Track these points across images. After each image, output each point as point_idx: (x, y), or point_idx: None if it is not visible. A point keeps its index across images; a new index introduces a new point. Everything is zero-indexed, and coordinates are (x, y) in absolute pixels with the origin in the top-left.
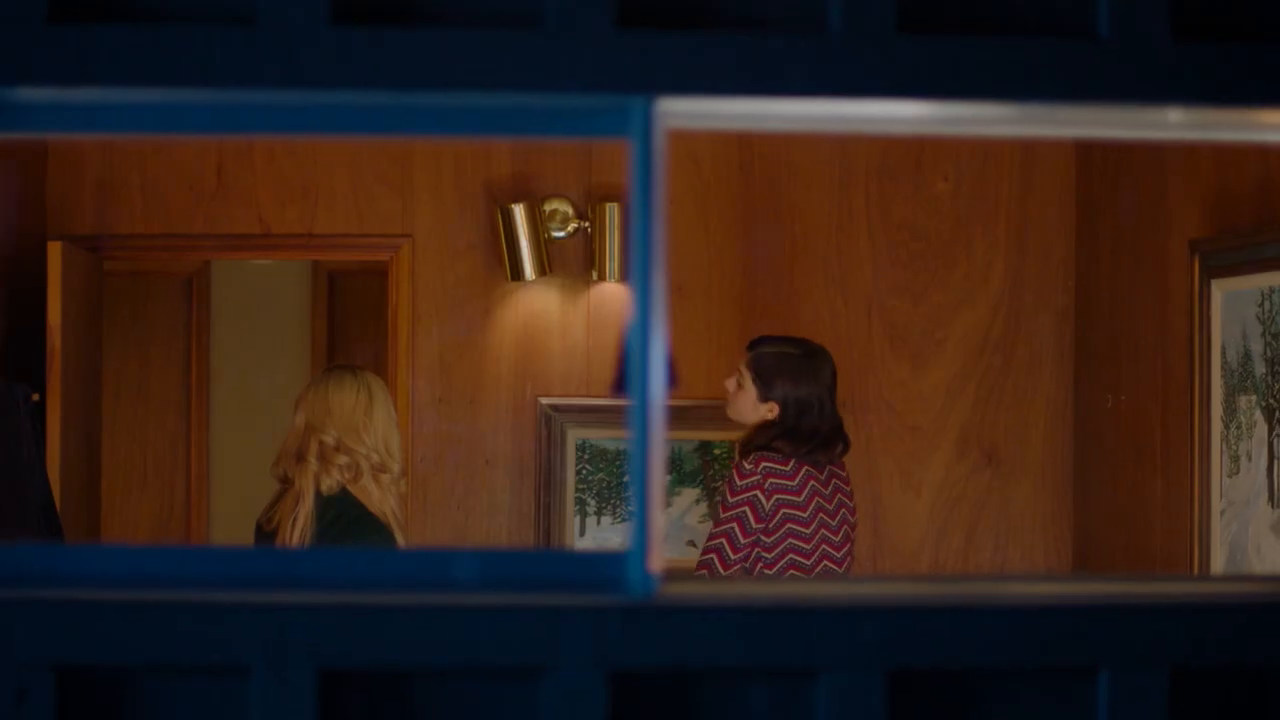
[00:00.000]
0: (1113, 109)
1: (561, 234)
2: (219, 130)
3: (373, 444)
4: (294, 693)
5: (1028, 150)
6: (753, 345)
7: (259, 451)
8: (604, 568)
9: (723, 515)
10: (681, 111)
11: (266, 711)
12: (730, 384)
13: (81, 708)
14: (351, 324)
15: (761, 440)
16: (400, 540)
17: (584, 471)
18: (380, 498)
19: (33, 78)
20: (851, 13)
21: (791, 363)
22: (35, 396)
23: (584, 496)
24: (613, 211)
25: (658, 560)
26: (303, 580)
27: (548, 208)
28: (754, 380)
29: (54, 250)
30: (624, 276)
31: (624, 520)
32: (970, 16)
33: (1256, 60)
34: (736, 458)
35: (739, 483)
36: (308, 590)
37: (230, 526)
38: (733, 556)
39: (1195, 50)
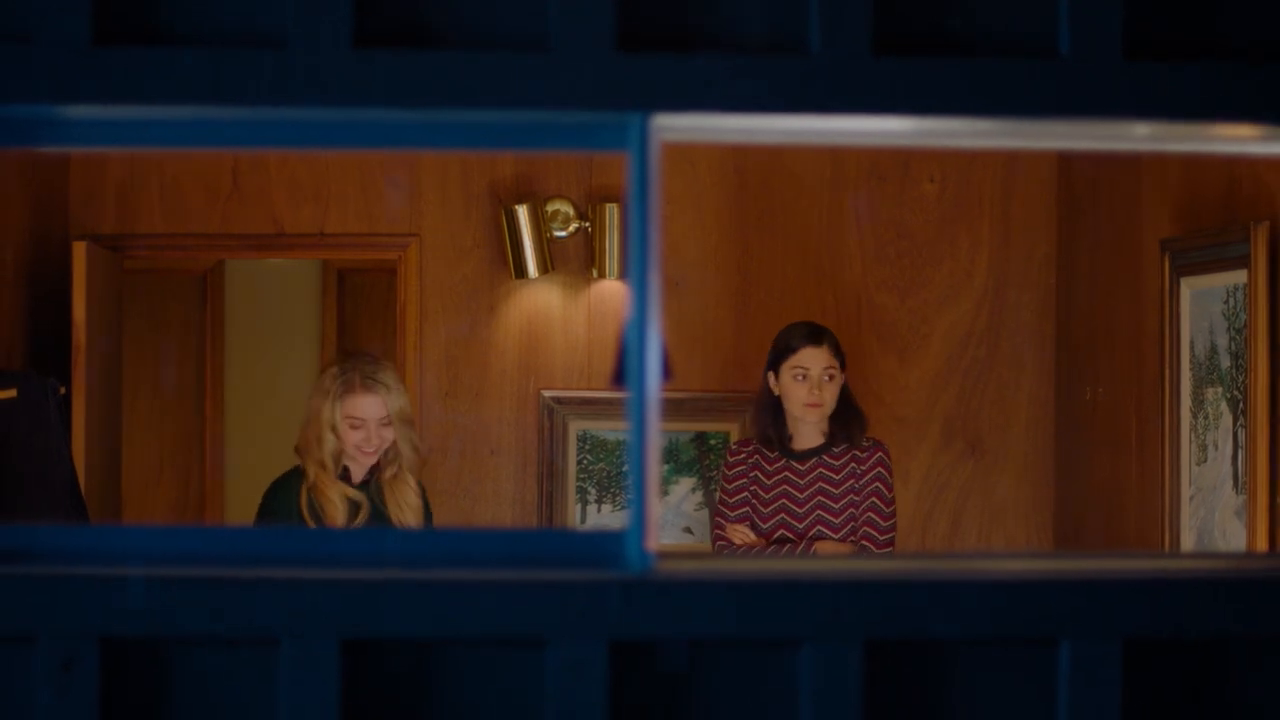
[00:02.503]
0: (1071, 123)
1: (563, 233)
2: (250, 145)
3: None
4: (318, 661)
5: (1010, 154)
6: (820, 338)
7: (272, 442)
8: (604, 545)
9: (890, 495)
10: (675, 126)
11: (293, 678)
12: (823, 388)
13: (123, 676)
14: (361, 320)
15: (859, 414)
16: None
17: (585, 461)
18: (312, 476)
19: (79, 97)
20: (830, 36)
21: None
22: (62, 390)
23: (585, 485)
24: (612, 212)
25: (654, 539)
26: (325, 557)
27: (550, 208)
28: (842, 366)
29: (79, 250)
30: (623, 274)
31: (623, 508)
32: (938, 38)
33: (1203, 78)
34: (857, 441)
35: (888, 460)
36: (330, 567)
37: (245, 514)
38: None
39: (1145, 69)
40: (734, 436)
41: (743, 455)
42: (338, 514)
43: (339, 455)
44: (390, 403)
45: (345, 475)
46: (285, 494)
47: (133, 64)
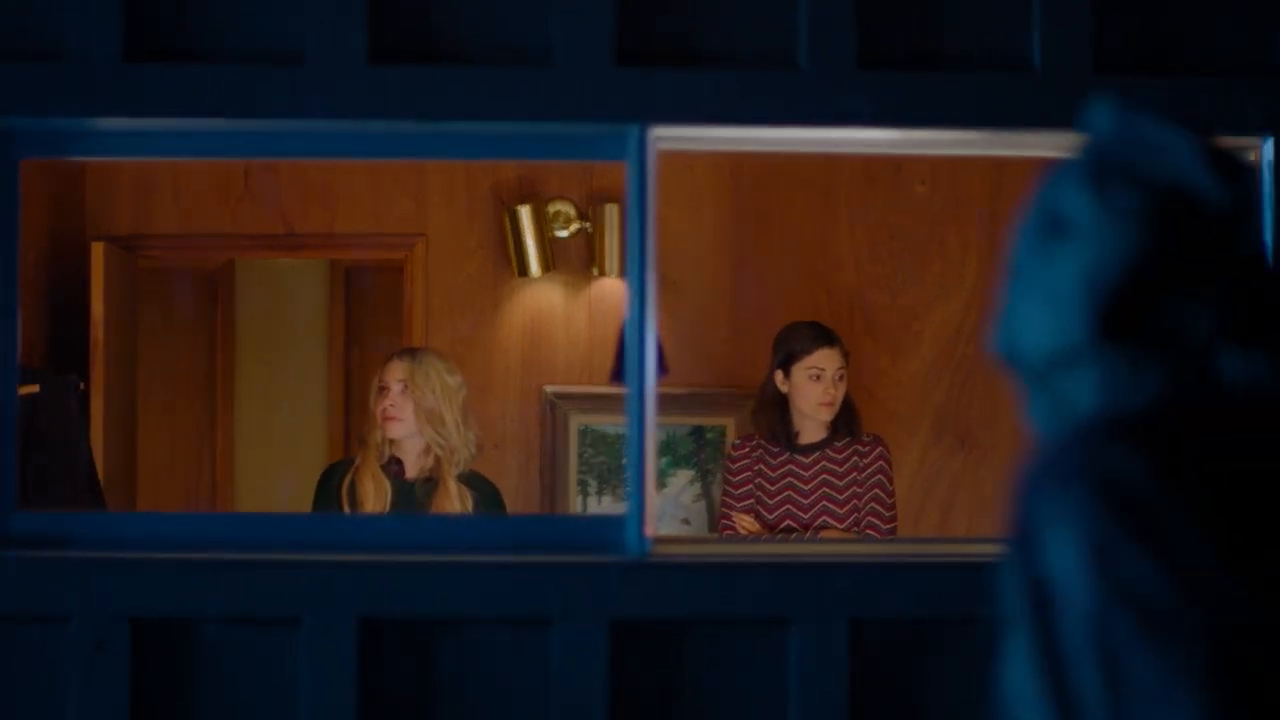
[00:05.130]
0: (1045, 133)
1: (564, 233)
2: (270, 155)
3: None
4: (336, 639)
5: (998, 159)
6: (832, 339)
7: (281, 436)
8: (605, 531)
9: (891, 488)
10: (671, 137)
11: (313, 655)
12: (837, 387)
13: (153, 655)
14: (368, 318)
15: (855, 409)
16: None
17: (586, 454)
18: (358, 460)
19: (109, 109)
20: (817, 51)
21: None
22: (81, 385)
23: (586, 478)
24: (612, 212)
25: (652, 525)
26: (342, 542)
27: (551, 209)
28: (847, 365)
29: (97, 250)
30: (623, 273)
31: (623, 500)
32: (919, 53)
33: (1170, 91)
34: (857, 434)
35: (889, 455)
36: (347, 551)
37: (255, 505)
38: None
39: (1115, 82)
40: (730, 431)
41: (746, 450)
42: (372, 503)
43: (384, 442)
44: (416, 376)
45: (399, 469)
46: (329, 479)
47: (160, 79)
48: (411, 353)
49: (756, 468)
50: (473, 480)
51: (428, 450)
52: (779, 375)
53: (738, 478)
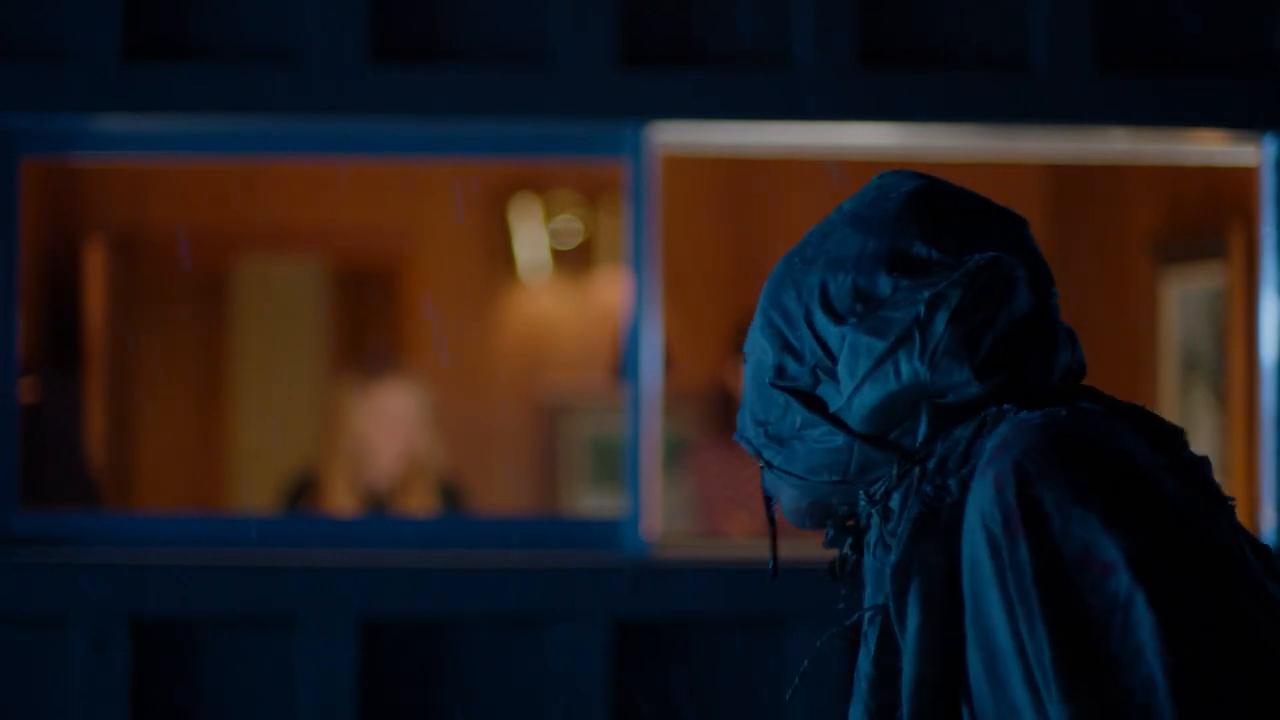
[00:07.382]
0: (1047, 131)
1: (564, 231)
2: (271, 153)
3: None
4: (336, 639)
5: (999, 155)
6: None
7: (278, 434)
8: (604, 531)
9: None
10: (671, 136)
11: (312, 655)
12: None
13: (152, 655)
14: (366, 317)
15: None
16: None
17: (587, 454)
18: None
19: (108, 107)
20: (818, 49)
21: None
22: (77, 384)
23: (586, 478)
24: (613, 209)
25: (651, 524)
26: (342, 541)
27: (552, 206)
28: None
29: (93, 246)
30: (624, 270)
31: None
32: (920, 51)
33: (1171, 89)
34: None
35: None
36: (347, 550)
37: (251, 504)
38: None
39: (1115, 81)
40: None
41: (715, 450)
42: None
43: (364, 464)
44: (414, 393)
45: (373, 493)
46: (298, 499)
47: (160, 77)
48: (397, 369)
49: (728, 468)
50: (442, 493)
51: (401, 463)
52: (737, 369)
53: (712, 479)
